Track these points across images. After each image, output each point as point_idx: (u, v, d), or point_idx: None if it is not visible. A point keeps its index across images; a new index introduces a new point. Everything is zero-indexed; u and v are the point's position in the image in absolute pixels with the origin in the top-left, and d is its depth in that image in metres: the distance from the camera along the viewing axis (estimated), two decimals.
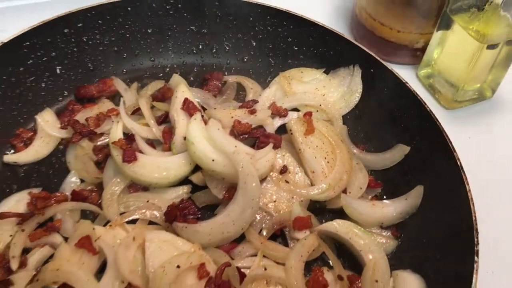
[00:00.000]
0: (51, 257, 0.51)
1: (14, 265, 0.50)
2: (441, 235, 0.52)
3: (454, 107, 0.73)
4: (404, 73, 0.71)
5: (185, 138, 0.59)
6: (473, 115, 0.75)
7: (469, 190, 0.53)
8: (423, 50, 0.75)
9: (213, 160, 0.53)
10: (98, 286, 0.47)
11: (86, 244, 0.50)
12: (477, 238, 0.48)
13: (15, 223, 0.54)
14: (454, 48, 0.69)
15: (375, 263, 0.52)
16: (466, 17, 0.67)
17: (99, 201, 0.56)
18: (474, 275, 0.47)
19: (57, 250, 0.50)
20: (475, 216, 0.49)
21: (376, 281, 0.50)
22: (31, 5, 0.77)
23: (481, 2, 0.66)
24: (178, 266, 0.47)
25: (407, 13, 0.74)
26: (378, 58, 0.63)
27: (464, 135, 0.70)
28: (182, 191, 0.57)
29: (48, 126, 0.62)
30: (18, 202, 0.56)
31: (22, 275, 0.50)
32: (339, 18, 0.84)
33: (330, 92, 0.64)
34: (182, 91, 0.61)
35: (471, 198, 0.52)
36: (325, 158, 0.57)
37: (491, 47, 0.64)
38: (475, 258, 0.46)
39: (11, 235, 0.53)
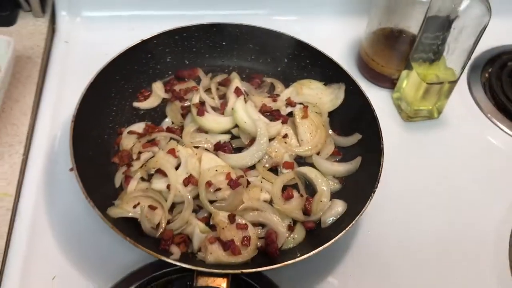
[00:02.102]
0: (152, 157, 0.83)
1: (134, 157, 0.84)
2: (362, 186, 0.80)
3: (409, 121, 1.00)
4: (385, 93, 1.05)
5: (232, 109, 0.90)
6: (422, 127, 1.00)
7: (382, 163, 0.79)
8: (397, 80, 1.02)
9: (245, 122, 0.87)
10: (176, 172, 0.80)
11: (171, 152, 0.82)
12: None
13: (136, 137, 0.86)
14: (412, 82, 0.96)
15: (323, 191, 0.82)
16: (419, 64, 0.95)
17: (181, 134, 0.88)
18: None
19: (156, 154, 0.82)
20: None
21: (321, 201, 0.81)
22: (157, 16, 1.09)
23: (435, 58, 0.94)
24: (216, 170, 0.80)
25: (389, 56, 1.02)
26: (355, 80, 0.91)
27: (412, 139, 0.99)
28: (226, 137, 0.88)
29: (158, 90, 0.94)
30: (138, 127, 0.88)
31: (137, 162, 0.82)
32: (350, 53, 1.12)
33: (324, 96, 0.94)
34: (236, 82, 0.94)
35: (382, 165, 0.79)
36: (310, 133, 0.89)
37: (432, 84, 0.94)
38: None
39: (133, 143, 0.85)
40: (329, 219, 0.80)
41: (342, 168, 0.88)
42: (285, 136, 0.90)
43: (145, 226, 0.75)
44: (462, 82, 1.11)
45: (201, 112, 0.89)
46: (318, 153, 0.90)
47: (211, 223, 0.78)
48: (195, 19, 0.98)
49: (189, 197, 0.79)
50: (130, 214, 0.76)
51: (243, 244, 0.74)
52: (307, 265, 0.78)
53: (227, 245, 0.73)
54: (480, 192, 0.92)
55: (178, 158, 0.84)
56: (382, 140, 0.84)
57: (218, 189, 0.80)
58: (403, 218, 0.87)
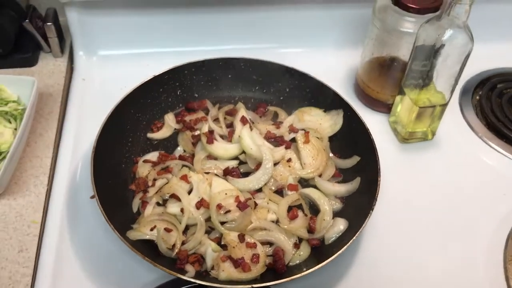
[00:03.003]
0: (167, 183, 0.90)
1: (150, 183, 0.90)
2: (361, 205, 0.86)
3: (405, 142, 1.07)
4: (382, 118, 1.12)
5: (239, 136, 0.96)
6: (417, 149, 1.07)
7: (379, 183, 0.86)
8: (392, 104, 1.09)
9: (251, 148, 0.93)
10: (189, 197, 0.86)
11: (184, 178, 0.89)
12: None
13: (151, 166, 0.93)
14: (405, 106, 1.03)
15: (326, 210, 0.88)
16: (411, 89, 1.02)
17: (192, 161, 0.94)
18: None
19: (170, 180, 0.89)
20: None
21: (324, 219, 0.87)
22: (169, 52, 1.18)
23: (425, 83, 0.99)
24: (226, 193, 0.86)
25: (384, 82, 1.09)
26: (352, 106, 0.98)
27: (409, 160, 1.05)
28: (234, 162, 0.95)
29: (170, 121, 1.01)
30: (153, 156, 0.95)
31: (153, 189, 0.88)
32: (348, 81, 1.20)
33: (324, 122, 1.02)
34: (242, 111, 1.01)
35: (379, 185, 0.85)
36: (312, 157, 0.95)
37: (424, 107, 1.01)
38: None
39: (148, 171, 0.92)
40: (332, 236, 0.86)
41: (342, 188, 0.94)
42: (289, 160, 0.97)
43: (161, 247, 0.82)
44: (455, 105, 1.18)
45: (210, 140, 0.97)
46: (320, 175, 0.96)
47: (222, 242, 0.85)
48: (206, 54, 1.07)
49: (202, 219, 0.86)
50: (148, 237, 0.83)
51: (252, 261, 0.80)
52: (313, 281, 0.83)
53: (238, 263, 0.79)
54: (475, 207, 0.98)
55: (190, 183, 0.91)
56: (379, 160, 0.91)
57: (228, 211, 0.86)
58: (402, 233, 0.93)
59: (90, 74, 1.16)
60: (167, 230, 0.85)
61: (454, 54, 0.92)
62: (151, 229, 0.84)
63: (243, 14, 1.19)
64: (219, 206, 0.86)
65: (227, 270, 0.79)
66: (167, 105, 1.05)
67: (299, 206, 0.91)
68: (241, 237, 0.83)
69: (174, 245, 0.83)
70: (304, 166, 0.97)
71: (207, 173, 0.93)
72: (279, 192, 0.93)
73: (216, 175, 0.93)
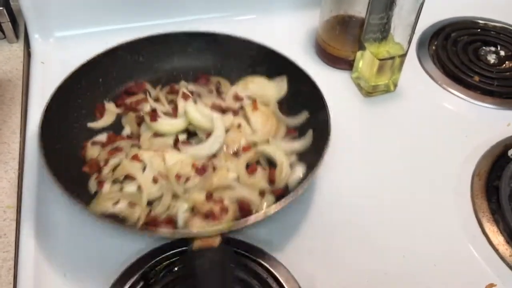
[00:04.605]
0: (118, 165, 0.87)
1: (102, 164, 0.89)
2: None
3: (369, 96, 1.09)
4: (345, 75, 1.14)
5: (184, 112, 0.95)
6: (381, 101, 1.10)
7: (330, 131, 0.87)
8: (354, 61, 1.12)
9: (198, 119, 0.93)
10: (144, 174, 0.85)
11: (135, 158, 0.86)
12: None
13: (100, 147, 0.91)
14: (366, 61, 1.06)
15: (282, 162, 0.89)
16: (370, 43, 1.05)
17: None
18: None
19: (121, 162, 0.87)
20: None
21: (282, 170, 0.88)
22: (130, 28, 1.13)
23: (384, 36, 1.04)
24: (181, 162, 0.87)
25: (343, 40, 1.12)
26: (299, 66, 0.97)
27: (373, 112, 1.08)
28: (182, 136, 0.94)
29: (111, 107, 0.99)
30: (101, 137, 0.93)
31: (106, 167, 0.87)
32: (308, 41, 1.22)
33: (268, 89, 1.02)
34: (182, 89, 1.00)
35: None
36: (262, 123, 0.95)
37: (384, 60, 1.05)
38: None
39: (98, 152, 0.90)
40: (293, 183, 0.89)
41: (297, 144, 0.95)
42: (239, 126, 0.97)
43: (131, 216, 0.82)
44: (413, 57, 1.22)
45: (153, 118, 0.96)
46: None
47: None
48: (165, 27, 1.07)
49: (165, 184, 0.86)
50: (111, 210, 0.83)
51: (221, 212, 0.82)
52: (278, 225, 0.86)
53: (207, 215, 0.81)
54: (439, 151, 1.02)
55: (142, 162, 0.90)
56: (328, 107, 0.91)
57: (187, 179, 0.87)
58: (366, 180, 0.96)
59: (48, 57, 1.14)
60: (131, 204, 0.84)
61: (408, 3, 0.95)
62: (114, 204, 0.84)
63: None
64: (178, 176, 0.87)
65: (198, 224, 0.80)
66: (105, 90, 1.02)
67: (257, 163, 0.93)
68: (209, 196, 0.84)
69: (138, 219, 0.82)
70: (255, 132, 0.97)
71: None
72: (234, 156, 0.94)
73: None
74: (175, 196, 0.86)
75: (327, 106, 0.92)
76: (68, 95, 0.96)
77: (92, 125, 0.99)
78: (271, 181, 0.90)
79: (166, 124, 0.96)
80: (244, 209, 0.84)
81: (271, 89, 1.04)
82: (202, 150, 0.92)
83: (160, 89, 1.05)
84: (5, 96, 1.04)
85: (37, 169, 0.93)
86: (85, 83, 1.00)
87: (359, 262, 0.84)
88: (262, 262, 0.81)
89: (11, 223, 0.85)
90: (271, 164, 0.93)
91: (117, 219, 0.78)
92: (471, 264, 0.84)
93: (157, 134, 0.96)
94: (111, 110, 1.01)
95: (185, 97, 1.00)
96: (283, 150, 0.93)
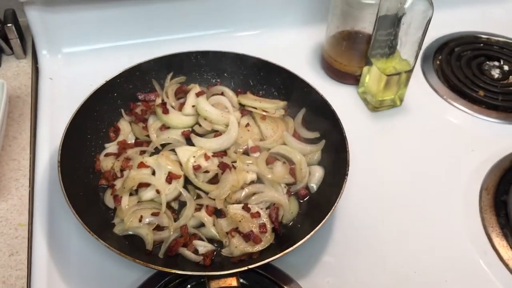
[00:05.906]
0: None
1: (119, 175, 0.90)
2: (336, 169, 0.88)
3: (375, 111, 1.11)
4: (351, 89, 1.16)
5: (193, 106, 0.99)
6: (387, 115, 1.11)
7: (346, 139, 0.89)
8: (360, 76, 1.13)
9: (206, 110, 0.98)
10: (156, 177, 0.87)
11: (141, 165, 0.89)
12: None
13: (113, 158, 0.93)
14: (373, 76, 1.07)
15: (299, 160, 0.91)
16: (377, 59, 1.06)
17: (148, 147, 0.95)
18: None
19: (129, 174, 0.88)
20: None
21: (301, 168, 0.91)
22: (135, 44, 1.17)
23: (391, 52, 1.04)
24: (194, 156, 0.89)
25: (350, 55, 1.13)
26: (307, 81, 0.98)
27: (380, 126, 1.09)
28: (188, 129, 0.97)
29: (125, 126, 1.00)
30: (112, 148, 0.95)
31: (119, 180, 0.89)
32: (314, 58, 1.23)
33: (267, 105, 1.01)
34: (196, 88, 1.03)
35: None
36: (272, 129, 0.98)
37: (391, 75, 1.05)
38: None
39: (112, 163, 0.92)
40: (313, 183, 0.91)
41: (308, 148, 0.97)
42: (247, 125, 1.00)
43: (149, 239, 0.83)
44: (418, 72, 1.23)
45: (165, 111, 0.99)
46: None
47: (218, 207, 0.87)
48: (171, 43, 1.11)
49: (189, 195, 0.88)
50: (138, 230, 0.84)
51: (261, 232, 0.82)
52: (305, 251, 0.85)
53: (248, 236, 0.81)
54: (446, 165, 1.03)
55: (149, 167, 0.91)
56: (343, 129, 0.92)
57: (206, 171, 0.90)
58: (373, 196, 0.96)
59: (56, 73, 1.14)
60: (154, 214, 0.85)
61: (416, 21, 0.96)
62: (140, 220, 0.85)
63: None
64: (195, 168, 0.89)
65: (240, 246, 0.81)
66: (122, 106, 1.03)
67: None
68: (246, 208, 0.85)
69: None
70: (265, 138, 0.99)
71: (163, 145, 0.95)
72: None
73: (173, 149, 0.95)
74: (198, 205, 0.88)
75: (340, 123, 0.93)
76: (85, 119, 0.96)
77: (108, 147, 0.98)
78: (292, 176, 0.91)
79: (177, 118, 1.00)
80: (273, 220, 0.84)
81: (267, 104, 1.03)
82: (215, 144, 0.96)
83: (169, 86, 1.06)
84: (14, 113, 1.04)
85: (48, 185, 0.93)
86: (104, 104, 1.00)
87: (374, 283, 0.84)
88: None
89: (23, 241, 0.85)
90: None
91: (126, 249, 0.76)
92: (482, 280, 0.85)
93: (164, 127, 0.99)
94: (125, 130, 1.01)
95: (199, 94, 1.03)
96: (299, 149, 0.96)
